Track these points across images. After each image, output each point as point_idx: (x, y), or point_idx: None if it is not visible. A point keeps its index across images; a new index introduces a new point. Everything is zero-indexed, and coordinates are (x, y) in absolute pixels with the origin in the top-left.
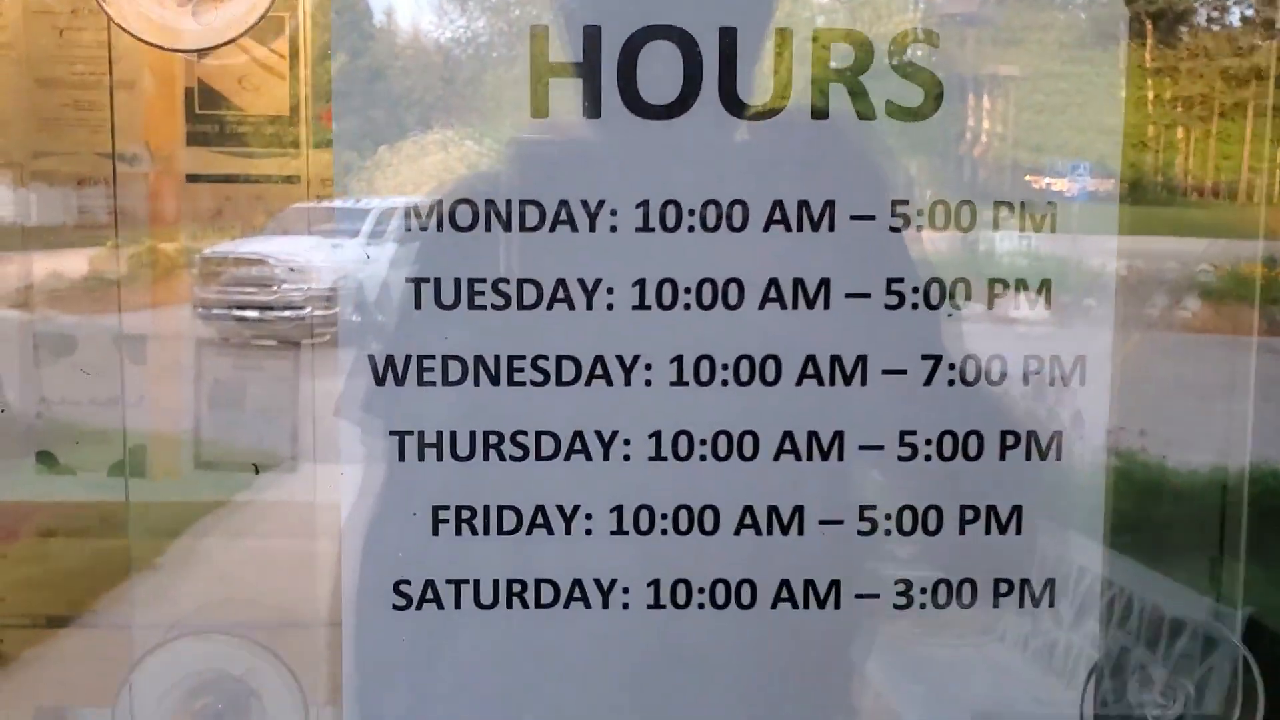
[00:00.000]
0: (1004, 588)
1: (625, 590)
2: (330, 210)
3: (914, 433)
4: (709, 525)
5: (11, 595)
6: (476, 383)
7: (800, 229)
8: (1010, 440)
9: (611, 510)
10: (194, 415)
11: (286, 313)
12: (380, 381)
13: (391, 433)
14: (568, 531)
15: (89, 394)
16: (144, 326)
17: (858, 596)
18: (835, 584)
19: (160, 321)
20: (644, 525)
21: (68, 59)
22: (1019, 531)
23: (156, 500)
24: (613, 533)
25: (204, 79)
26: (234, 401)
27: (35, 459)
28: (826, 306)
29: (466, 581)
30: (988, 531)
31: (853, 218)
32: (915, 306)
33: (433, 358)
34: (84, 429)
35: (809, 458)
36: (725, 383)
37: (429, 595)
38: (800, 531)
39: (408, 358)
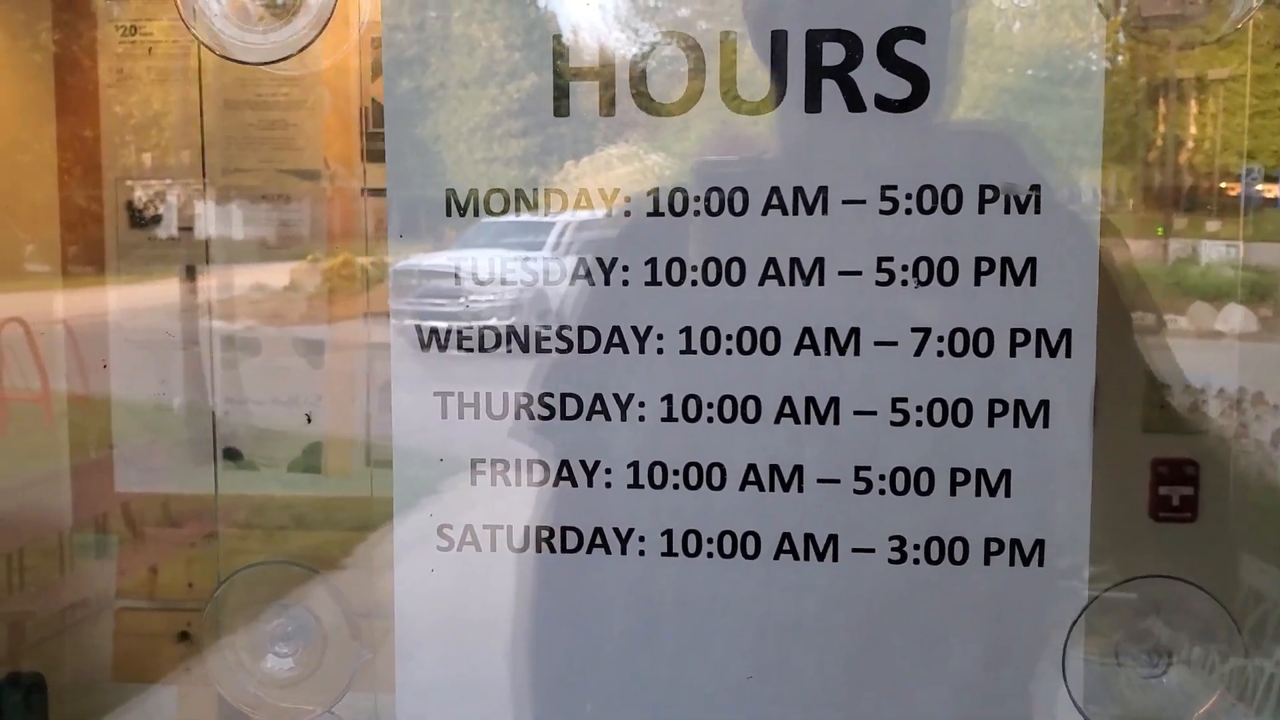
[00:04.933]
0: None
1: (641, 539)
2: (517, 224)
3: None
4: (716, 481)
5: (200, 582)
6: (509, 350)
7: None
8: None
9: (628, 466)
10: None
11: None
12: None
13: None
14: (589, 484)
15: (271, 394)
16: (325, 334)
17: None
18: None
19: (341, 329)
20: (658, 479)
21: (252, 81)
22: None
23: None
24: (629, 486)
25: (378, 98)
26: None
27: (223, 454)
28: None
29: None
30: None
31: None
32: None
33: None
34: (268, 428)
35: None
36: (729, 352)
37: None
38: (800, 489)
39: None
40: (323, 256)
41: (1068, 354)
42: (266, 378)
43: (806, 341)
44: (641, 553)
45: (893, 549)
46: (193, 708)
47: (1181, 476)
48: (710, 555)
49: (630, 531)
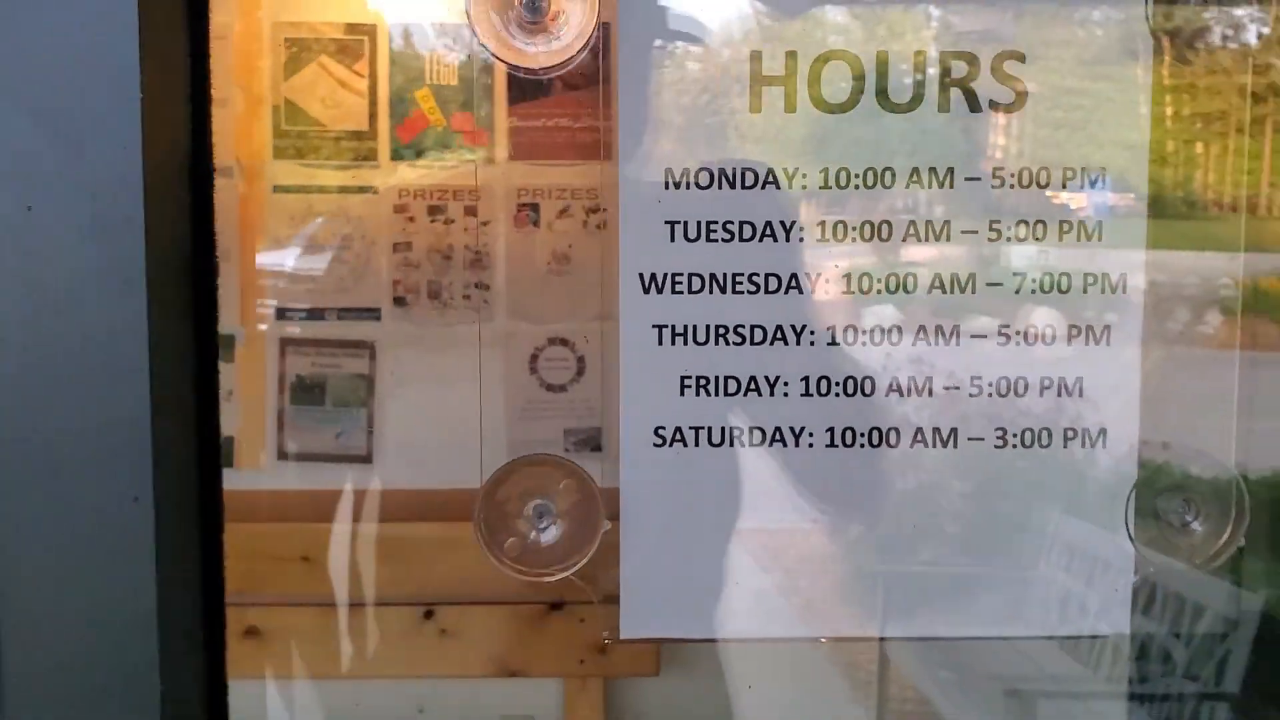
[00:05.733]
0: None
1: (810, 435)
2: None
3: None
4: (868, 390)
5: None
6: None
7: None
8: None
9: (801, 379)
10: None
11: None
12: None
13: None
14: (771, 394)
15: None
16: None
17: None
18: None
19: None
20: (824, 390)
21: None
22: None
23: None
24: (801, 395)
25: (289, 97)
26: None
27: None
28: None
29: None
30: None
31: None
32: None
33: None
34: None
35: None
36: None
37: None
38: (930, 394)
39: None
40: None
41: (1124, 291)
42: None
43: (937, 284)
44: (810, 445)
45: (997, 438)
46: None
47: None
48: (862, 446)
49: (802, 429)
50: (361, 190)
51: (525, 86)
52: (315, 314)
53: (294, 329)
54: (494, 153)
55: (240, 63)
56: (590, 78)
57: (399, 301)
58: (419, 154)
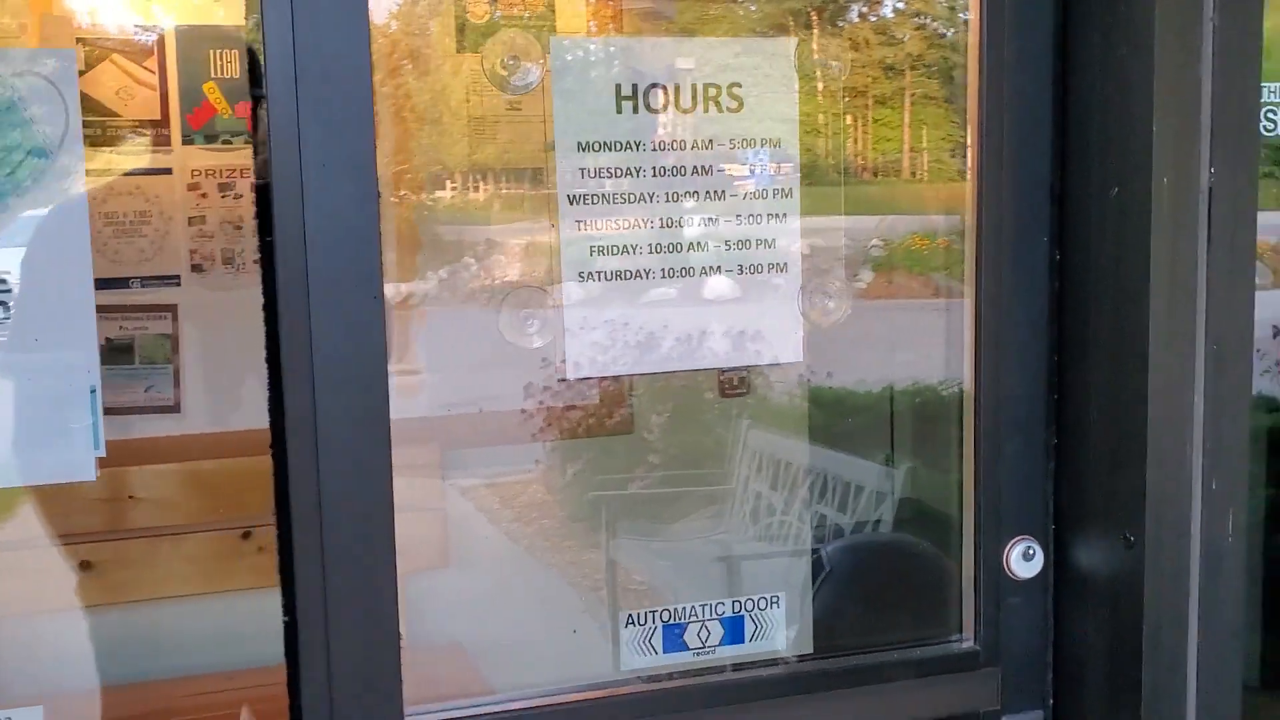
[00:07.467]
0: None
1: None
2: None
3: None
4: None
5: None
6: None
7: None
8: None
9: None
10: None
11: None
12: None
13: None
14: (624, 252)
15: None
16: None
17: None
18: None
19: None
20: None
21: None
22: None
23: None
24: (649, 251)
25: (85, 91)
26: None
27: None
28: None
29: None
30: None
31: None
32: None
33: None
34: None
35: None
36: None
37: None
38: None
39: None
40: None
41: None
42: None
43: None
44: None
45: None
46: None
47: None
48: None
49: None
50: (159, 172)
51: None
52: (120, 282)
53: (101, 298)
54: None
55: None
56: None
57: (196, 268)
58: (208, 139)
